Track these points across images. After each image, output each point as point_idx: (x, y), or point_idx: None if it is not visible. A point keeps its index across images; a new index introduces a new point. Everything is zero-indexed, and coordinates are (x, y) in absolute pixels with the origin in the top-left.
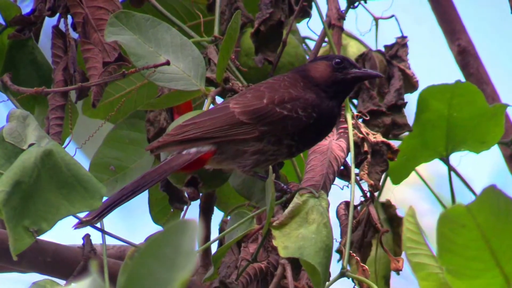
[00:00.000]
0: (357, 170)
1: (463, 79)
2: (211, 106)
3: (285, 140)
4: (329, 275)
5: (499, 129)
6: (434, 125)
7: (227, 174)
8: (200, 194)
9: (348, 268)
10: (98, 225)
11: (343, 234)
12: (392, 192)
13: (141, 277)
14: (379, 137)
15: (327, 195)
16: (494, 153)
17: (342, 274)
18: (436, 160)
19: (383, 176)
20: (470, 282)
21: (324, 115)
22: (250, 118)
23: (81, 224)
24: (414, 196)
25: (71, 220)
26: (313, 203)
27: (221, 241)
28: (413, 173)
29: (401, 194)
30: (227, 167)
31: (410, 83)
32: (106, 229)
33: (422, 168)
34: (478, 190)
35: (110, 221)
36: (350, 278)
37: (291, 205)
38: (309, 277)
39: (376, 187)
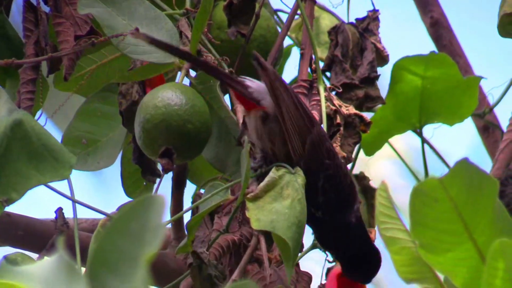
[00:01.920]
0: None
1: (436, 51)
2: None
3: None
4: (302, 248)
5: (473, 101)
6: (408, 97)
7: (201, 146)
8: (174, 166)
9: None
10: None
11: None
12: (366, 165)
13: (109, 253)
14: (352, 109)
15: None
16: (469, 126)
17: (314, 246)
18: (411, 135)
19: (356, 149)
20: (443, 255)
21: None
22: (308, 151)
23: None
24: (390, 171)
25: (44, 193)
26: (289, 178)
27: (194, 213)
28: (389, 149)
29: (377, 170)
30: (250, 126)
31: (380, 57)
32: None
33: (398, 142)
34: (452, 164)
35: (83, 194)
36: (322, 250)
37: (266, 179)
38: (280, 252)
39: (349, 159)
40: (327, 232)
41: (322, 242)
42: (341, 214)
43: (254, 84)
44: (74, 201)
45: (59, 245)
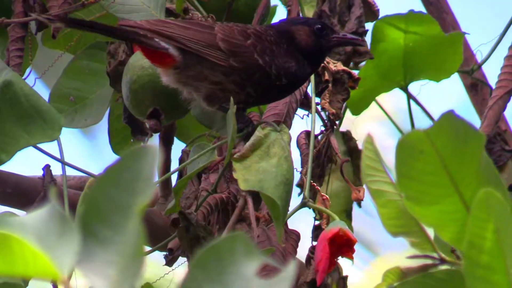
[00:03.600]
0: (317, 99)
1: (423, 9)
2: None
3: (247, 88)
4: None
5: (458, 57)
6: (391, 55)
7: (189, 105)
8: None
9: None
10: (58, 155)
11: (303, 163)
12: (354, 126)
13: (101, 203)
14: (340, 66)
15: (291, 124)
16: (456, 85)
17: (303, 204)
18: (399, 96)
19: (343, 107)
20: (429, 207)
21: (296, 81)
22: (227, 49)
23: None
24: (377, 132)
25: (32, 152)
26: (275, 136)
27: (181, 172)
28: (376, 110)
29: (364, 131)
30: (183, 87)
31: (371, 12)
32: (66, 159)
33: (385, 103)
34: None
35: (70, 152)
36: (311, 209)
37: (252, 138)
38: (269, 211)
39: (338, 115)
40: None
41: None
42: (296, 56)
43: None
44: (63, 162)
45: (52, 196)
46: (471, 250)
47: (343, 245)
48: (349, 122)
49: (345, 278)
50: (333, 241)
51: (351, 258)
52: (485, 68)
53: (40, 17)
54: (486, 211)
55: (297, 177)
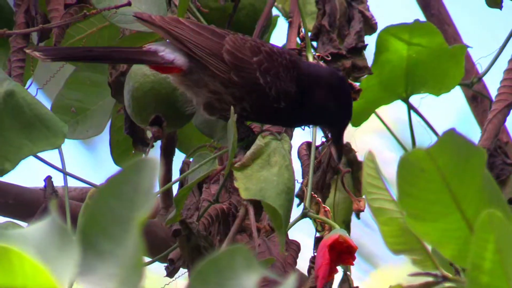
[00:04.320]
0: None
1: (421, 20)
2: None
3: (244, 103)
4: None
5: (459, 70)
6: (394, 66)
7: (191, 114)
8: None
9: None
10: (60, 166)
11: (304, 174)
12: (354, 138)
13: (101, 216)
14: None
15: (292, 135)
16: (458, 96)
17: (304, 215)
18: (398, 108)
19: None
20: (431, 225)
21: (298, 109)
22: (230, 61)
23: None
24: (377, 144)
25: (33, 163)
26: (276, 145)
27: (182, 183)
28: (375, 122)
29: (364, 143)
30: (186, 90)
31: (369, 25)
32: (68, 170)
33: (385, 115)
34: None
35: (72, 163)
36: (311, 220)
37: (253, 147)
38: (270, 219)
39: None
40: (299, 112)
41: (301, 122)
42: (297, 88)
43: (162, 46)
44: (65, 173)
45: (52, 209)
46: (473, 271)
47: (343, 252)
48: (348, 135)
49: None
50: (333, 248)
51: (352, 264)
52: (486, 79)
53: (31, 53)
54: (489, 233)
55: (298, 188)
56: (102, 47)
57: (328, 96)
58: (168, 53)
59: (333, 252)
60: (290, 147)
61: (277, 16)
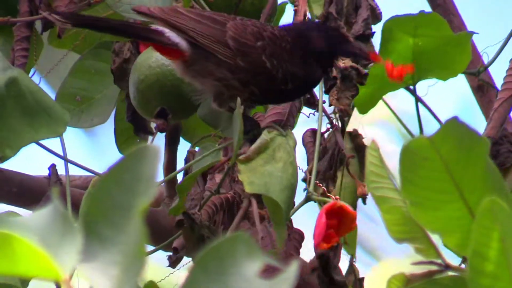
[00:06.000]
0: (325, 97)
1: (426, 11)
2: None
3: (251, 86)
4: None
5: (466, 57)
6: (400, 54)
7: (196, 105)
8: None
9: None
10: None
11: (309, 161)
12: (361, 125)
13: (103, 203)
14: (348, 62)
15: (294, 122)
16: (463, 86)
17: (308, 198)
18: (404, 99)
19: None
20: (434, 213)
21: (303, 86)
22: (235, 47)
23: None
24: (381, 137)
25: (35, 151)
26: (280, 141)
27: (186, 172)
28: (380, 112)
29: (367, 132)
30: (191, 80)
31: (373, 15)
32: (70, 158)
33: (392, 105)
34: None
35: (75, 151)
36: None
37: (258, 141)
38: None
39: (347, 112)
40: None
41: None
42: (308, 61)
43: (167, 29)
44: (66, 160)
45: (54, 197)
46: (475, 259)
47: (342, 220)
48: (355, 122)
49: (362, 280)
50: (330, 213)
51: (353, 229)
52: (491, 70)
53: (49, 16)
54: (491, 220)
55: (301, 175)
56: (119, 21)
57: (320, 39)
58: (173, 36)
59: (332, 219)
60: (295, 143)
61: (285, 3)
